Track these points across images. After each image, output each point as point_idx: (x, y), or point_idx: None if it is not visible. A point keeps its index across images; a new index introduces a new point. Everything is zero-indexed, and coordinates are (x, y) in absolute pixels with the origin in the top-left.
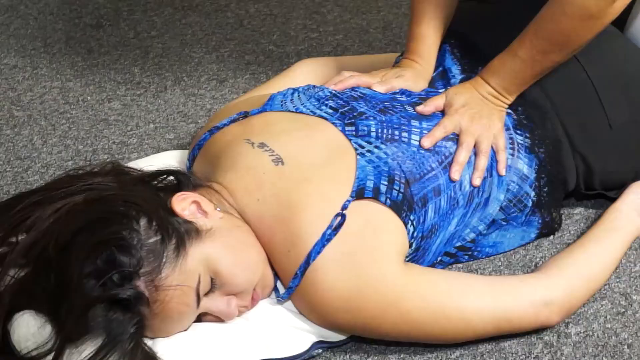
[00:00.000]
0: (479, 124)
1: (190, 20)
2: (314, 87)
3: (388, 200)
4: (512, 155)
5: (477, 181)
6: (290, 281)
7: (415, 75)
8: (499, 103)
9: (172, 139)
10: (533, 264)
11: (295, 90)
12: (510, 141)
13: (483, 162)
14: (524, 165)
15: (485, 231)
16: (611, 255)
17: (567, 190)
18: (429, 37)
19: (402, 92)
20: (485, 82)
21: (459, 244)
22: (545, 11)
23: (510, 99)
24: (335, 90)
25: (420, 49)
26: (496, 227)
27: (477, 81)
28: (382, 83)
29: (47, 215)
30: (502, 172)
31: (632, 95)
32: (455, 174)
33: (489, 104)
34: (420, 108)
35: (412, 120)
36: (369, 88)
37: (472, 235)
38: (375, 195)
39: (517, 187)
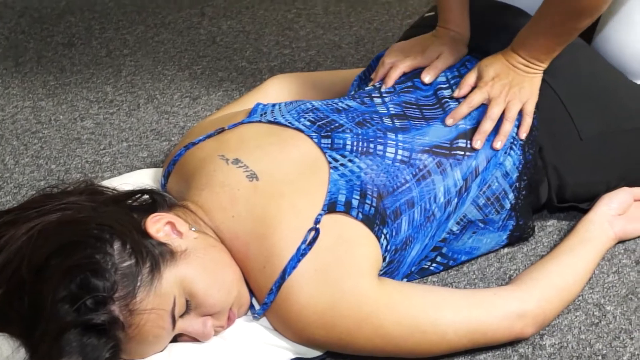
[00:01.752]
0: (509, 94)
1: (162, 38)
2: (296, 101)
3: (360, 215)
4: (511, 148)
5: (498, 144)
6: (266, 297)
7: (453, 45)
8: (531, 70)
9: (146, 157)
10: (507, 276)
11: (277, 104)
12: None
13: (507, 127)
14: (510, 161)
15: (458, 232)
16: (584, 267)
17: (539, 202)
18: (456, 3)
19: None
20: (515, 53)
21: (432, 245)
22: None
23: (544, 65)
24: (317, 104)
25: (451, 14)
26: (474, 229)
27: (507, 53)
28: (430, 70)
29: (20, 234)
30: (523, 136)
31: (601, 106)
32: (477, 142)
33: (520, 72)
34: (455, 93)
35: (389, 133)
36: (419, 80)
37: (444, 234)
38: (347, 209)
39: (497, 183)
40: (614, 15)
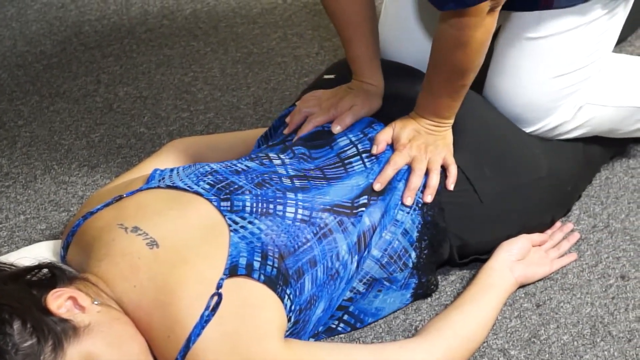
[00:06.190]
0: (427, 152)
1: (58, 107)
2: (194, 164)
3: (262, 276)
4: (414, 208)
5: (428, 198)
6: None
7: (367, 97)
8: (441, 129)
9: (44, 229)
10: (413, 327)
11: (175, 168)
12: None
13: (435, 179)
14: (409, 220)
15: (364, 290)
16: (487, 313)
17: (442, 258)
18: (365, 56)
19: (301, 154)
20: (420, 117)
21: (337, 304)
22: (432, 52)
23: (450, 121)
24: (215, 166)
25: (362, 69)
26: (379, 287)
27: (415, 116)
28: (338, 121)
29: None
30: (451, 187)
31: (496, 163)
32: (408, 199)
33: (432, 132)
34: (374, 150)
35: (288, 193)
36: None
37: (350, 294)
38: (249, 272)
39: (397, 242)
40: (501, 67)
